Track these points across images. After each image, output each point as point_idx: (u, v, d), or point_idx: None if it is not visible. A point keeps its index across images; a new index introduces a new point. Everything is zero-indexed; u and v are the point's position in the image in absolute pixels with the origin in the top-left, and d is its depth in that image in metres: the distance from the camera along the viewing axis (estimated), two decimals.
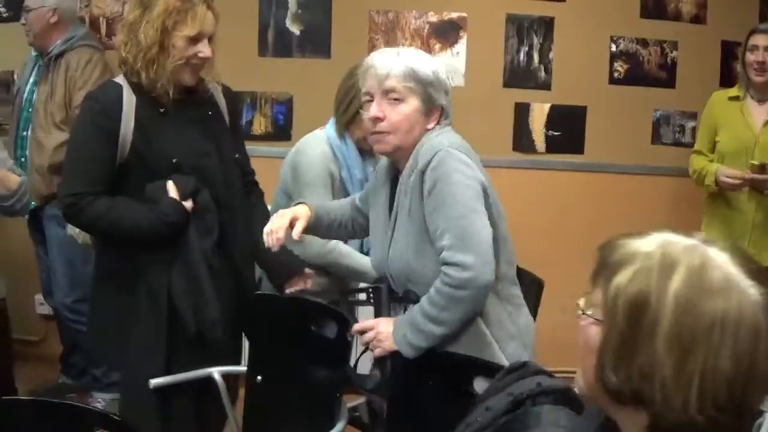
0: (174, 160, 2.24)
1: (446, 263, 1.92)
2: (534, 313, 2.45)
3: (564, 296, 3.28)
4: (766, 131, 3.22)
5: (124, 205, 2.22)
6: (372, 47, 3.65)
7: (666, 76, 3.82)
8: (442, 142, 1.99)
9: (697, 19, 3.83)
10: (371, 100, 2.04)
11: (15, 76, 3.87)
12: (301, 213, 2.18)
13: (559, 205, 3.75)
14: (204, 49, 2.24)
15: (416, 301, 2.01)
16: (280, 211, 2.19)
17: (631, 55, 3.79)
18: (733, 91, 3.37)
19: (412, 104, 2.02)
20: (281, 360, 2.22)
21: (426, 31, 3.71)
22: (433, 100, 2.04)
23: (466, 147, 2.04)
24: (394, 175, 2.15)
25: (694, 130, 3.82)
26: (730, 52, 3.84)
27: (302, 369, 2.18)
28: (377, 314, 2.11)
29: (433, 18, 3.72)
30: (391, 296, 2.12)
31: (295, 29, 3.73)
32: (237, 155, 2.40)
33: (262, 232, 2.16)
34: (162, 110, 2.26)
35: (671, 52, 3.82)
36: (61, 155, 3.18)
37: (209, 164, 2.31)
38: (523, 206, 3.70)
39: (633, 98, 3.79)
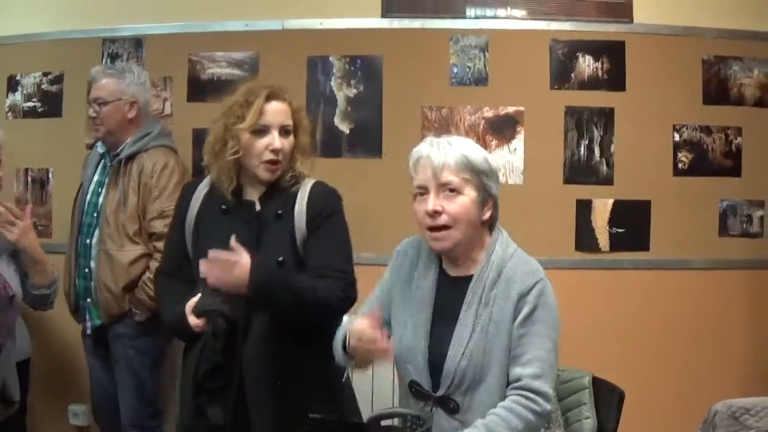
0: None
1: (534, 391, 1.89)
2: (615, 425, 2.32)
3: (644, 404, 3.17)
4: None
5: (173, 292, 2.32)
6: None
7: (731, 164, 3.65)
8: (537, 267, 2.02)
9: (761, 102, 3.66)
10: (424, 193, 1.98)
11: (50, 174, 3.72)
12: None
13: (628, 306, 3.54)
14: (273, 142, 2.26)
15: (454, 408, 1.96)
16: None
17: (695, 144, 3.61)
18: None
19: (469, 195, 1.97)
20: None
21: (482, 127, 3.54)
22: (488, 190, 2.01)
23: None
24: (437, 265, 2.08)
25: (762, 219, 3.64)
26: None
27: None
28: None
29: (488, 113, 3.55)
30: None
31: (344, 128, 3.57)
32: (281, 258, 2.23)
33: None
34: (224, 207, 2.30)
35: (735, 139, 3.65)
36: (137, 271, 3.02)
37: None
38: (590, 309, 3.53)
39: (698, 189, 3.60)
